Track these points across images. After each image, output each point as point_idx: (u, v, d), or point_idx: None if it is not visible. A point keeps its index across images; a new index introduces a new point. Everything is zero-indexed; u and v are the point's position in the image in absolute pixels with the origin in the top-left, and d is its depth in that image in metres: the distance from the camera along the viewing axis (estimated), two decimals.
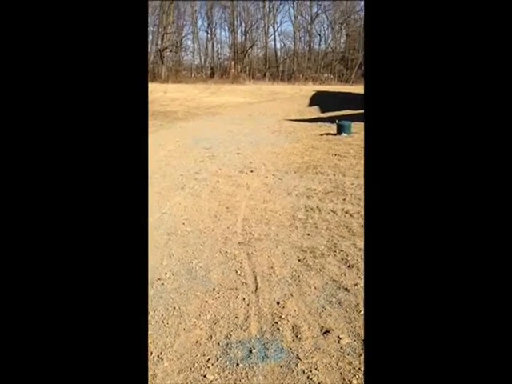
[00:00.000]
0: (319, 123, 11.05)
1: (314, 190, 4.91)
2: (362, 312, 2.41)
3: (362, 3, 32.98)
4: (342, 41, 36.92)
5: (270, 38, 38.69)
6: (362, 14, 33.44)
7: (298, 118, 12.49)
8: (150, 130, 9.74)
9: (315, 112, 14.49)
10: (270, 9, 36.24)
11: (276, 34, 50.26)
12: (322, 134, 9.09)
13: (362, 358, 2.04)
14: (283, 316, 2.39)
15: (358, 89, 22.89)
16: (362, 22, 32.80)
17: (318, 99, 18.48)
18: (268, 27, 36.86)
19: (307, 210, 4.19)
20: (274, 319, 2.36)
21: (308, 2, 35.88)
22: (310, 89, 23.91)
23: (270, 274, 2.89)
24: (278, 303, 2.52)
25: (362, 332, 2.23)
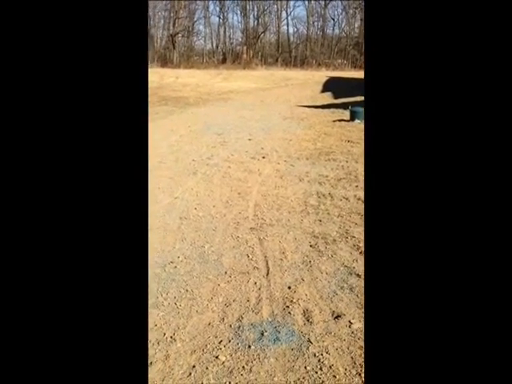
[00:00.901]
0: (332, 109, 10.95)
1: (326, 176, 4.88)
2: None
3: None
4: (356, 26, 36.22)
5: (283, 23, 38.23)
6: None
7: (310, 104, 12.38)
8: (161, 115, 9.77)
9: (328, 98, 14.34)
10: None
11: (289, 18, 49.51)
12: (334, 121, 9.00)
13: None
14: (294, 300, 2.40)
15: None
16: None
17: (330, 85, 18.25)
18: (281, 11, 36.39)
19: (319, 197, 4.18)
20: (285, 303, 2.38)
21: None
22: (323, 74, 23.57)
23: (281, 259, 2.90)
24: (289, 287, 2.54)
25: None
